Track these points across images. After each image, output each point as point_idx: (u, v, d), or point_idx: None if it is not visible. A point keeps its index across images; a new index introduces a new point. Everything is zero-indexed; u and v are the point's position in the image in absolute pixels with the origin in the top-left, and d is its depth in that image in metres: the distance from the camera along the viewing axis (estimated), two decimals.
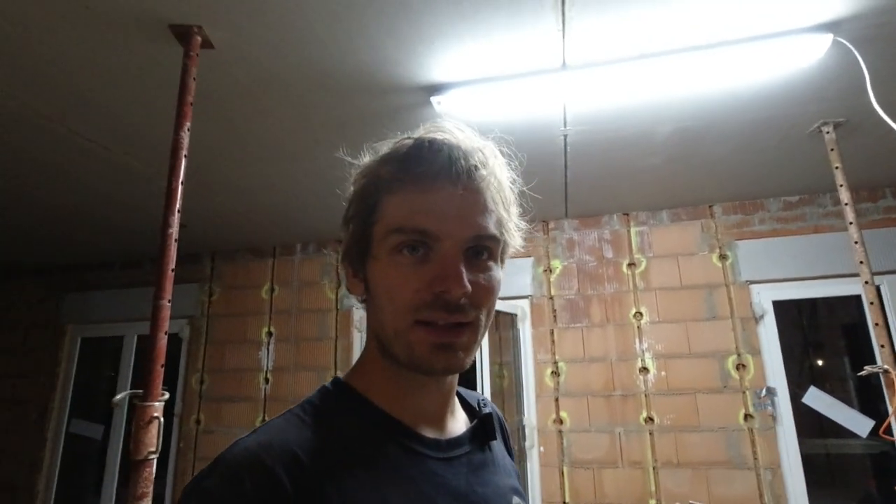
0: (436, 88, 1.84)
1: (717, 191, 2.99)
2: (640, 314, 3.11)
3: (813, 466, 2.83)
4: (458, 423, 0.63)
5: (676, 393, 2.95)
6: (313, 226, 3.41)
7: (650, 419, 2.95)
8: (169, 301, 1.31)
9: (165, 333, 1.29)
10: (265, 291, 3.72)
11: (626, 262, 3.20)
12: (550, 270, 3.29)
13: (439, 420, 0.60)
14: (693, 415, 2.90)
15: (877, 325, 2.11)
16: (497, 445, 0.66)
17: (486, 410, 0.66)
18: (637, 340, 3.08)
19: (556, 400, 3.10)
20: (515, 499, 0.61)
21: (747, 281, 3.00)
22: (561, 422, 3.06)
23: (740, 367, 2.91)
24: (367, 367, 0.59)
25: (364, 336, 3.47)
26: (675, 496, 2.82)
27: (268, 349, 3.59)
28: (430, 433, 0.57)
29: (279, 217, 3.25)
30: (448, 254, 0.52)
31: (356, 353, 3.47)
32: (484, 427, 0.64)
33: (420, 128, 0.58)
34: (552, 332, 3.19)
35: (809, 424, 2.93)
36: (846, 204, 2.25)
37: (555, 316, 3.20)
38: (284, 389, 3.50)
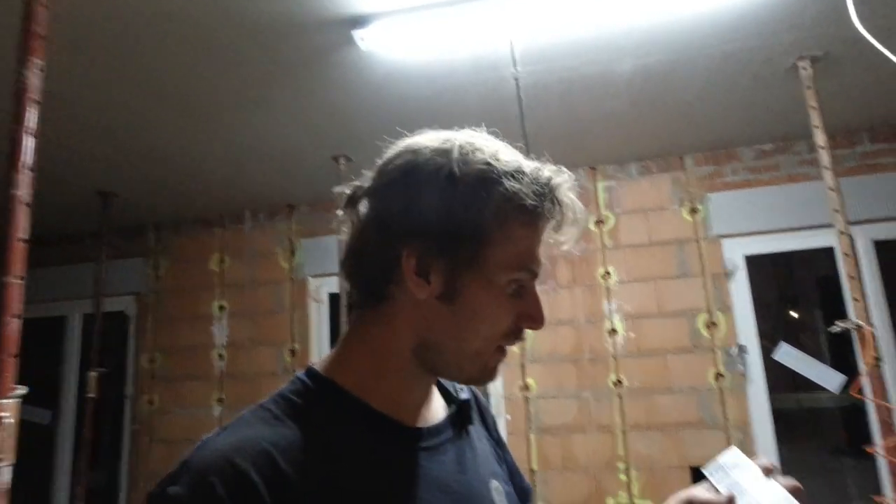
0: (358, 21, 1.57)
1: (688, 139, 2.79)
2: (609, 274, 2.94)
3: (785, 420, 2.74)
4: (437, 409, 0.61)
5: (646, 354, 2.82)
6: (259, 192, 3.14)
7: (619, 382, 2.82)
8: (20, 278, 1.07)
9: (18, 317, 1.06)
10: (215, 263, 3.47)
11: (593, 219, 3.01)
12: None
13: (420, 409, 0.59)
14: (663, 376, 2.77)
15: (851, 278, 1.95)
16: (476, 430, 0.65)
17: (464, 396, 0.65)
18: (606, 301, 2.92)
19: (523, 366, 2.95)
20: (494, 482, 0.60)
21: (718, 235, 2.83)
22: (527, 388, 2.92)
23: (711, 325, 2.77)
24: (357, 361, 0.56)
25: (322, 308, 3.29)
26: (644, 459, 2.72)
27: (221, 324, 3.38)
28: (410, 422, 0.56)
29: (217, 183, 2.97)
30: (536, 293, 0.55)
31: (314, 325, 3.27)
32: (461, 413, 0.63)
33: (544, 161, 0.57)
34: None
35: (783, 378, 2.83)
36: (822, 147, 2.05)
37: None
38: (241, 365, 3.30)
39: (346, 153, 2.60)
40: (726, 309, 2.76)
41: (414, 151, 0.54)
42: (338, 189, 0.60)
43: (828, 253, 2.79)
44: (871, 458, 2.50)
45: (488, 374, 0.56)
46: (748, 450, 2.61)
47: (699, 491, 0.61)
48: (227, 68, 1.81)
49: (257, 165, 2.73)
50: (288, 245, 3.37)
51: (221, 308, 3.39)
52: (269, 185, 3.04)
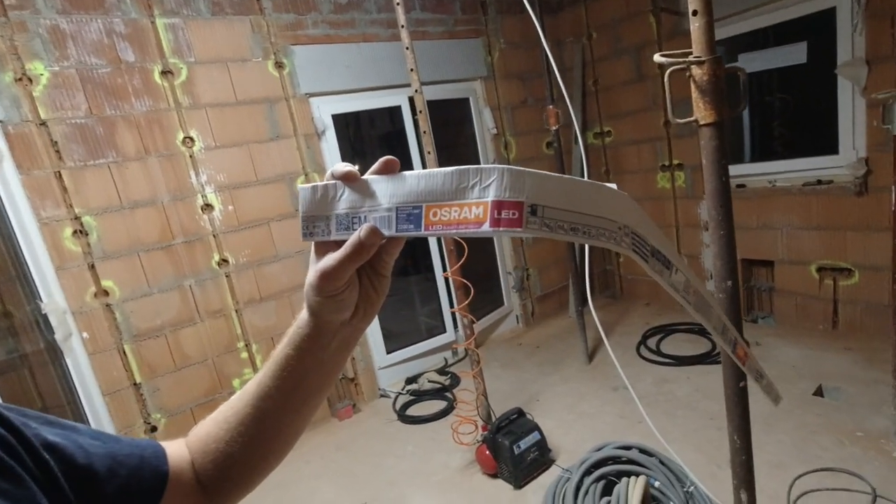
0: None
1: None
2: (192, 139, 2.31)
3: None
4: None
5: (248, 226, 2.47)
6: None
7: (224, 261, 2.42)
8: None
9: None
10: None
11: (158, 68, 2.20)
12: (30, 80, 1.94)
13: None
14: (269, 245, 2.53)
15: (424, 132, 2.09)
16: None
17: None
18: (193, 173, 2.32)
19: (92, 267, 2.11)
20: None
21: (307, 94, 2.59)
22: (106, 293, 2.15)
23: None
24: None
25: None
26: (262, 331, 2.53)
27: None
28: None
29: None
30: None
31: None
32: None
33: None
34: (59, 175, 2.02)
35: None
36: (398, 3, 1.99)
37: (58, 150, 2.01)
38: None
39: None
40: (321, 169, 2.66)
41: None
42: None
43: (391, 111, 2.99)
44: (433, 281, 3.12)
45: None
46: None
47: (325, 262, 0.39)
48: None
49: None
50: None
51: None
52: None
